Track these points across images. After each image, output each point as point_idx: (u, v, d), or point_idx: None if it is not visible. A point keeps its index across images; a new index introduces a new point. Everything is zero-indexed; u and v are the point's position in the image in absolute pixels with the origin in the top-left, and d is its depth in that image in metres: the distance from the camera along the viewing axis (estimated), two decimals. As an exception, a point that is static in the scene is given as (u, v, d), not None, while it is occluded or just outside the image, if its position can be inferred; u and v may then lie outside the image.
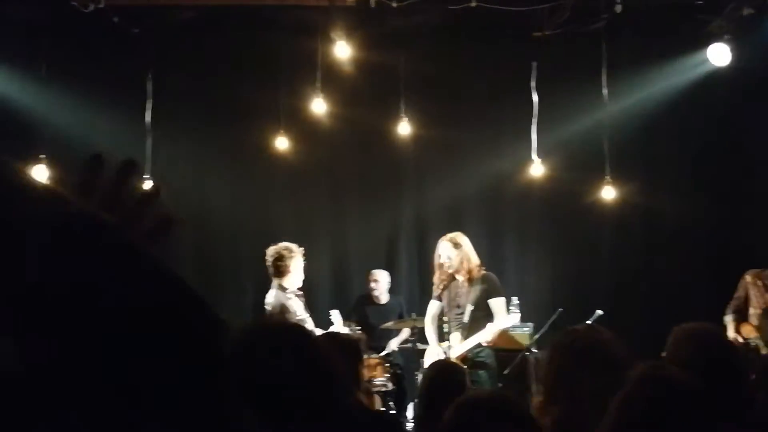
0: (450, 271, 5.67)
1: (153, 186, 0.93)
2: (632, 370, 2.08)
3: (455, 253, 5.66)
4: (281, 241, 7.30)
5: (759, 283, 5.76)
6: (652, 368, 1.95)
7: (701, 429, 1.82)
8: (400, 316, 6.84)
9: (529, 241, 7.69)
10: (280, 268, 5.68)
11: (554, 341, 2.65)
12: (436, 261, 5.72)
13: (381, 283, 6.89)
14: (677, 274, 7.30)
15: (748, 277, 5.83)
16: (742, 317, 5.82)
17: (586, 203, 7.06)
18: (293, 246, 5.77)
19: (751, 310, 5.78)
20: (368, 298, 6.95)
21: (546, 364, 2.58)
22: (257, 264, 7.59)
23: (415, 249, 7.75)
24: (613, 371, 2.22)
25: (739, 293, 5.85)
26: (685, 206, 7.23)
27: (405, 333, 6.72)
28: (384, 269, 7.15)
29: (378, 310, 6.88)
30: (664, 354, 2.69)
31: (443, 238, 5.75)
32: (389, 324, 6.60)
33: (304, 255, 5.81)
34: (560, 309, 6.06)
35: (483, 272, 5.73)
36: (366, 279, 7.08)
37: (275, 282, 5.72)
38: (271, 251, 5.77)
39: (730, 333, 5.78)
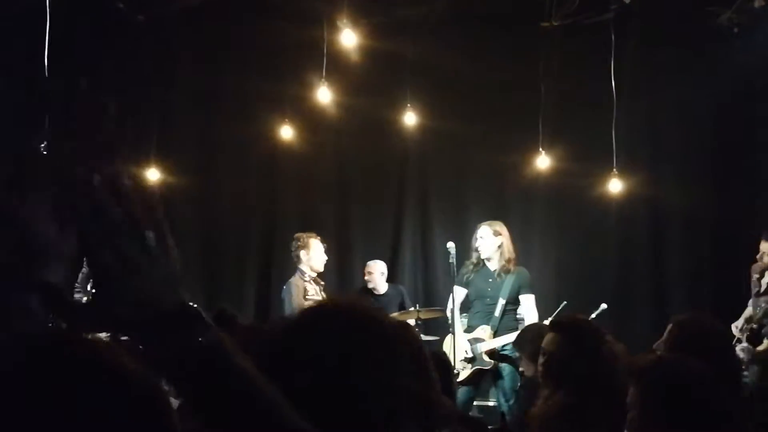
0: (483, 256, 5.63)
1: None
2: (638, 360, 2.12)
3: (494, 240, 5.62)
4: (284, 230, 7.41)
5: (755, 276, 5.78)
6: (665, 357, 1.99)
7: (716, 411, 1.86)
8: (402, 306, 6.82)
9: (534, 233, 7.65)
10: (295, 256, 6.32)
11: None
12: (473, 244, 5.67)
13: (375, 274, 6.88)
14: (683, 267, 7.27)
15: (754, 274, 5.83)
16: None
17: (593, 195, 7.02)
18: (304, 235, 6.31)
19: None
20: (367, 289, 6.94)
21: (549, 354, 2.61)
22: (261, 253, 7.62)
23: (420, 240, 7.73)
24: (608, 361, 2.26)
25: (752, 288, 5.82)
26: (691, 199, 7.18)
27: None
28: (387, 260, 7.13)
29: (377, 301, 6.86)
30: (655, 347, 2.73)
31: (483, 223, 5.74)
32: (394, 315, 6.58)
33: (323, 241, 6.35)
34: (564, 302, 6.04)
35: (518, 267, 5.70)
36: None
37: (297, 267, 6.32)
38: (292, 241, 6.38)
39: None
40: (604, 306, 6.04)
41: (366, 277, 6.91)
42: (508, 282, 5.58)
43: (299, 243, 6.26)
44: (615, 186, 6.76)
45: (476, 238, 5.64)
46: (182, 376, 0.88)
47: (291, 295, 6.09)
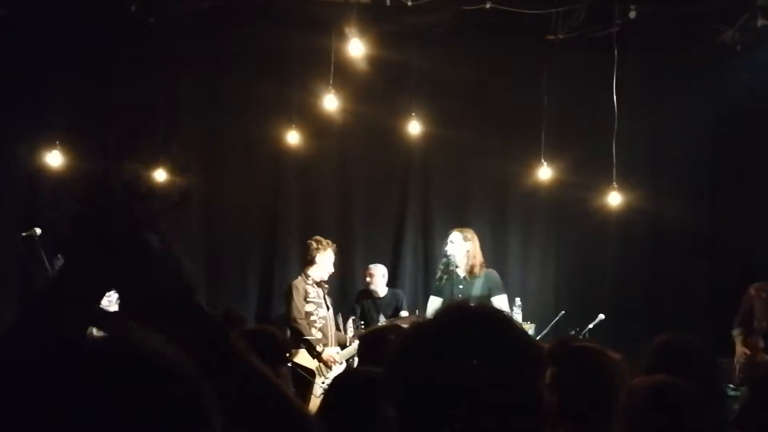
0: (454, 260, 5.77)
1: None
2: (630, 382, 2.12)
3: (462, 244, 5.77)
4: (287, 233, 7.48)
5: (763, 295, 5.74)
6: (654, 379, 2.00)
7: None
8: (397, 310, 6.91)
9: (533, 243, 7.72)
10: (307, 257, 6.41)
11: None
12: (443, 249, 5.81)
13: (376, 276, 6.97)
14: (681, 280, 7.33)
15: (752, 291, 5.84)
16: (749, 331, 5.80)
17: (592, 208, 7.08)
18: (325, 241, 6.39)
19: (755, 323, 5.76)
20: (366, 292, 7.04)
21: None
22: (265, 257, 7.69)
23: (421, 246, 7.79)
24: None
25: (745, 306, 5.84)
26: (690, 213, 7.25)
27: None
28: (388, 265, 7.21)
29: (374, 304, 6.97)
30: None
31: (455, 229, 5.89)
32: (390, 320, 6.67)
33: (335, 251, 6.43)
34: (563, 312, 6.12)
35: (485, 269, 5.81)
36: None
37: (304, 269, 6.42)
38: (311, 240, 6.46)
39: (738, 347, 5.78)
40: (601, 316, 6.12)
41: (367, 279, 7.00)
42: (477, 285, 5.73)
43: (319, 246, 6.34)
44: (614, 199, 6.84)
45: (447, 243, 5.80)
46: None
47: (292, 296, 6.24)
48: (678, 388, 2.00)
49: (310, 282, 6.32)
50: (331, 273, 6.47)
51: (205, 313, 0.98)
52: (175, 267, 0.98)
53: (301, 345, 6.12)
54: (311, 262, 6.35)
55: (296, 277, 6.44)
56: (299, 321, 6.16)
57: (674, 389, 1.99)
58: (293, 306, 6.21)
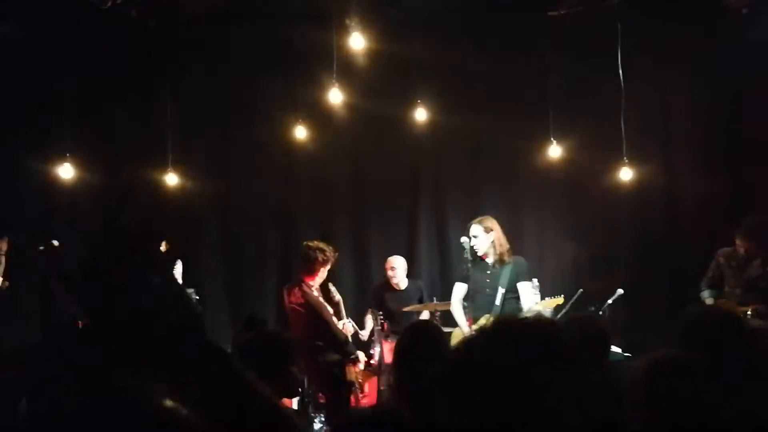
0: (480, 253, 5.75)
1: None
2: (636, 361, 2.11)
3: (486, 236, 5.75)
4: (300, 229, 7.40)
5: (733, 264, 5.92)
6: (658, 355, 2.01)
7: (713, 404, 1.87)
8: (420, 301, 6.91)
9: (547, 223, 7.70)
10: (312, 267, 5.93)
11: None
12: (467, 244, 5.76)
13: (398, 269, 6.96)
14: (697, 253, 7.28)
15: (720, 258, 6.00)
16: (719, 293, 5.97)
17: (604, 184, 7.05)
18: (330, 251, 5.96)
19: (727, 288, 5.94)
20: (387, 285, 7.02)
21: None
22: (278, 253, 7.73)
23: (435, 234, 7.80)
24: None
25: (714, 272, 6.02)
26: (702, 185, 7.19)
27: (425, 317, 6.79)
28: (404, 255, 7.21)
29: (397, 297, 6.95)
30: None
31: (474, 221, 5.85)
32: (409, 308, 6.69)
33: (335, 259, 6.06)
34: (581, 289, 6.10)
35: (514, 256, 5.81)
36: (384, 266, 7.16)
37: (300, 279, 5.95)
38: (312, 245, 5.97)
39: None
40: (620, 291, 6.11)
41: (389, 273, 6.98)
42: (506, 272, 5.72)
43: (325, 257, 5.94)
44: (626, 174, 6.80)
45: (470, 238, 5.75)
46: (209, 406, 1.00)
47: (324, 317, 5.86)
48: (680, 362, 2.00)
49: (316, 293, 5.99)
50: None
51: (209, 345, 1.04)
52: (178, 305, 1.04)
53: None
54: (314, 272, 5.95)
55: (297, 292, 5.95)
56: (349, 344, 5.98)
57: (675, 365, 1.99)
58: (335, 331, 5.86)
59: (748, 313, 5.70)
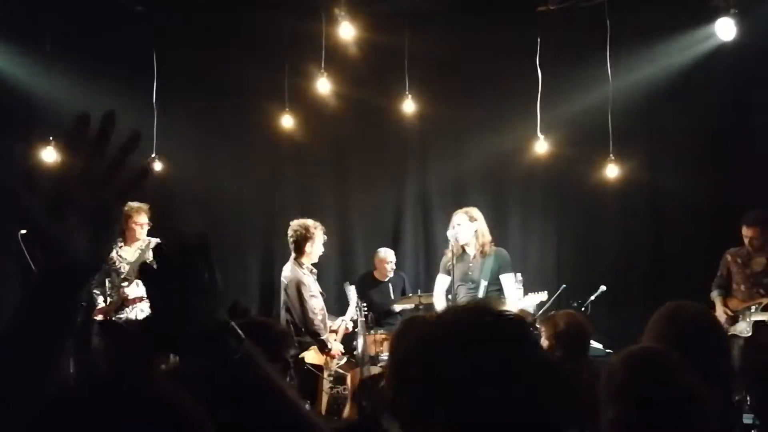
0: (461, 243, 5.73)
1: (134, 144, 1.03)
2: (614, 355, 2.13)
3: (470, 226, 5.73)
4: (287, 218, 7.37)
5: (739, 261, 6.04)
6: (633, 349, 2.03)
7: (684, 394, 1.89)
8: (403, 292, 6.92)
9: (533, 217, 7.72)
10: (299, 246, 6.00)
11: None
12: (450, 232, 5.75)
13: (392, 263, 7.04)
14: (681, 250, 7.33)
15: (728, 256, 6.12)
16: (727, 292, 6.10)
17: (590, 180, 7.07)
18: (312, 225, 6.03)
19: (734, 286, 6.06)
20: (371, 276, 7.03)
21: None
22: (262, 241, 7.69)
23: (420, 225, 7.80)
24: None
25: (722, 271, 6.16)
26: (688, 183, 7.23)
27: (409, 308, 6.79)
28: (389, 246, 7.23)
29: (381, 287, 6.97)
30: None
31: (459, 211, 5.83)
32: (395, 301, 6.70)
33: (324, 232, 6.09)
34: (564, 285, 6.12)
35: (495, 248, 5.81)
36: (372, 257, 7.16)
37: (293, 257, 6.03)
38: (294, 226, 6.06)
39: (719, 308, 6.01)
40: (603, 288, 6.14)
41: (386, 266, 7.04)
42: (488, 264, 5.72)
43: (306, 233, 5.97)
44: (612, 171, 6.82)
45: (453, 226, 5.73)
46: (218, 386, 1.03)
47: (302, 296, 5.90)
48: (653, 356, 2.02)
49: (306, 272, 6.02)
50: (321, 253, 6.16)
51: (231, 330, 1.06)
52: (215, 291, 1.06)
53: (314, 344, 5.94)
54: (303, 251, 5.99)
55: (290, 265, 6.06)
56: (317, 323, 5.91)
57: (648, 359, 2.01)
58: (307, 308, 5.87)
59: (753, 307, 5.80)
